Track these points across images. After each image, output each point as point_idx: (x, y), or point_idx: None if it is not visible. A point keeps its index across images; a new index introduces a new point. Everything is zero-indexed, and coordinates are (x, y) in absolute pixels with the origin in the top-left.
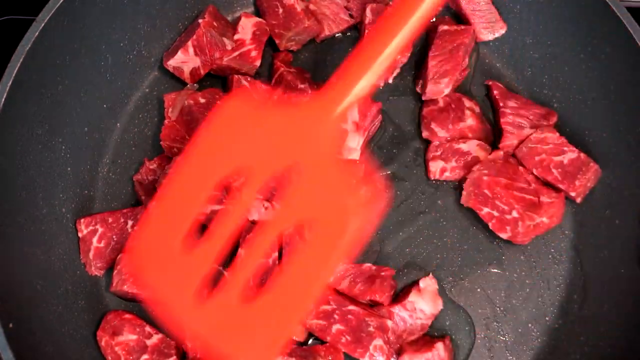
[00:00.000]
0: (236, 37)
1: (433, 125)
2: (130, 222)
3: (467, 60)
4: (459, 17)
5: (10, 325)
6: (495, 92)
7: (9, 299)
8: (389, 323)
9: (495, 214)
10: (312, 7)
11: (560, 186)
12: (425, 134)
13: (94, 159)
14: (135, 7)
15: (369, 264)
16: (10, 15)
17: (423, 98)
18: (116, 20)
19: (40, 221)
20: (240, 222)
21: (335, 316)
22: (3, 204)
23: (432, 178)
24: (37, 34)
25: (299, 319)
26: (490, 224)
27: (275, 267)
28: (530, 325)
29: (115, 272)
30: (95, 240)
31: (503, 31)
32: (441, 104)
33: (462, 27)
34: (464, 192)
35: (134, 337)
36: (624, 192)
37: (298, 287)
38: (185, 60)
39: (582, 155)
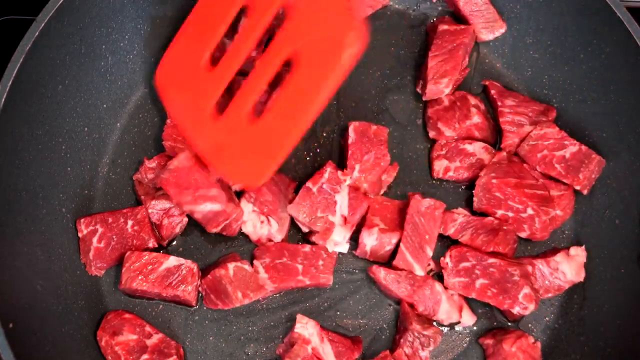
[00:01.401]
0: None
1: (440, 125)
2: (130, 222)
3: (467, 60)
4: (460, 17)
5: (10, 325)
6: (492, 91)
7: (9, 299)
8: (530, 269)
9: (510, 214)
10: None
11: (565, 181)
12: (432, 134)
13: (94, 159)
14: (135, 7)
15: (490, 218)
16: (10, 15)
17: (423, 98)
18: (116, 20)
19: (40, 221)
20: (252, 45)
21: (477, 271)
22: (3, 204)
23: (436, 177)
24: (37, 34)
25: (291, 143)
26: (507, 225)
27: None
28: (530, 325)
29: (124, 269)
30: (95, 240)
31: (503, 30)
32: (446, 103)
33: (462, 27)
34: (475, 199)
35: (134, 337)
36: (624, 192)
37: (293, 111)
38: None
39: (584, 147)
